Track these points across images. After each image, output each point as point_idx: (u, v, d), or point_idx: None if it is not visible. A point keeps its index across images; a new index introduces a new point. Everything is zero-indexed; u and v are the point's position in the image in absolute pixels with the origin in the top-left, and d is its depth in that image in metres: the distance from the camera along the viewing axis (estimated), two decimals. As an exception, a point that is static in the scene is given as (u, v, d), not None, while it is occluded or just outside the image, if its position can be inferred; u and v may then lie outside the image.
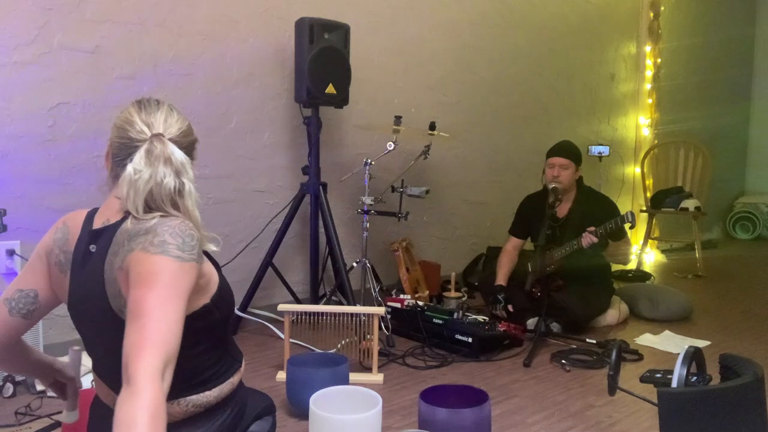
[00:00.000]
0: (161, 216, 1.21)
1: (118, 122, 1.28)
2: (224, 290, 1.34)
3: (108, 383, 1.31)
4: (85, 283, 1.25)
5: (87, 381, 2.38)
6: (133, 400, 0.97)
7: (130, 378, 1.00)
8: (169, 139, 1.26)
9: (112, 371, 1.26)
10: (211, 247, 1.29)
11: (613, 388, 2.00)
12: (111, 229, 1.24)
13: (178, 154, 1.24)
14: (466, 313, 3.12)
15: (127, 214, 1.23)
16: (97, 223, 1.28)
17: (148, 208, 1.22)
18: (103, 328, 1.23)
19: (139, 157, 1.22)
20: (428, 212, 4.19)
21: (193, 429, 1.29)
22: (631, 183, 5.76)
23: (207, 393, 1.29)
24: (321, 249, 3.38)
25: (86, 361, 2.47)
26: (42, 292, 1.33)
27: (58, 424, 2.05)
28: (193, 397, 1.28)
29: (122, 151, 1.26)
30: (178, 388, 1.20)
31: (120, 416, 0.97)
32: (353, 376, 2.40)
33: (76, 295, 1.28)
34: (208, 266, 1.30)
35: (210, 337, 1.32)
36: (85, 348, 1.36)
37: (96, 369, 1.35)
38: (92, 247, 1.25)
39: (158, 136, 1.24)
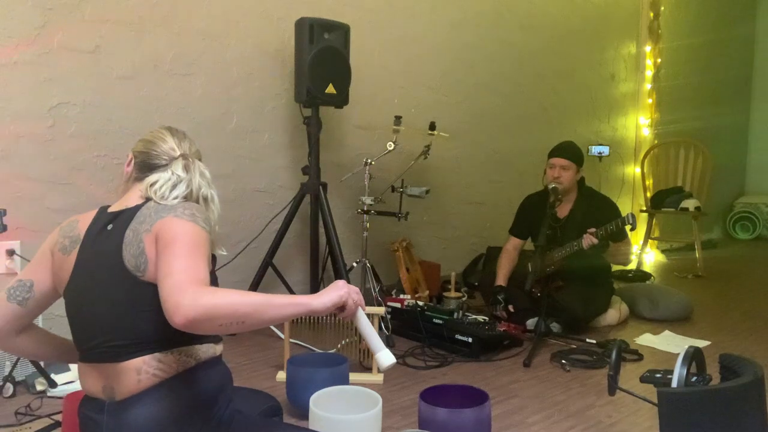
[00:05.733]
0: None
1: (150, 137, 1.51)
2: (214, 275, 1.46)
3: (104, 357, 1.33)
4: (97, 253, 1.37)
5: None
6: (207, 290, 1.16)
7: (190, 294, 1.15)
8: None
9: (115, 337, 1.32)
10: (220, 252, 1.48)
11: (613, 388, 2.00)
12: (132, 210, 1.40)
13: (208, 172, 1.52)
14: (466, 313, 3.12)
15: (147, 200, 1.40)
16: (114, 209, 1.43)
17: None
18: (114, 290, 1.33)
19: (177, 166, 1.46)
20: (428, 212, 4.19)
21: (180, 389, 1.34)
22: (631, 183, 5.76)
23: (198, 347, 1.38)
24: (321, 249, 3.38)
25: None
26: (38, 283, 1.45)
27: (58, 424, 2.05)
28: (185, 347, 1.36)
29: (150, 159, 1.47)
30: (173, 341, 1.33)
31: (201, 299, 1.14)
32: (353, 376, 2.40)
33: (82, 269, 1.38)
34: None
35: None
36: (78, 336, 1.39)
37: (86, 357, 1.37)
38: (110, 226, 1.39)
39: (189, 156, 1.50)
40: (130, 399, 1.31)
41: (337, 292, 1.33)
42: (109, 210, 1.44)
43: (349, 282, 3.12)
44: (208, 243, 1.33)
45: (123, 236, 1.35)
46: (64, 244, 1.43)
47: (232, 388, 1.48)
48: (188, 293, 1.15)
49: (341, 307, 1.35)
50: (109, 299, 1.34)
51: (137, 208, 1.39)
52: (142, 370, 1.31)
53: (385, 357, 1.42)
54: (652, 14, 5.65)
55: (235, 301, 1.17)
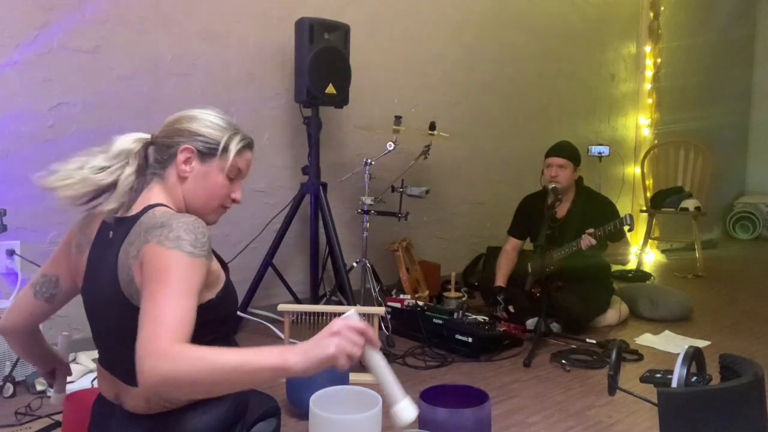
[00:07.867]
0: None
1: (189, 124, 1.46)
2: (229, 288, 1.38)
3: (114, 372, 1.33)
4: (99, 267, 1.30)
5: (87, 381, 2.38)
6: (170, 355, 1.03)
7: (152, 359, 1.04)
8: None
9: (119, 358, 1.29)
10: None
11: (613, 388, 2.00)
12: (130, 220, 1.30)
13: None
14: (466, 313, 3.12)
15: (147, 208, 1.30)
16: (120, 213, 1.35)
17: None
18: (113, 312, 1.27)
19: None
20: (428, 212, 4.19)
21: (192, 417, 1.31)
22: (631, 183, 5.76)
23: None
24: (321, 249, 3.38)
25: (86, 362, 2.49)
26: (63, 278, 1.41)
27: (58, 424, 2.05)
28: None
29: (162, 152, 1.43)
30: None
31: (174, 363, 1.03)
32: (353, 376, 2.40)
33: (90, 276, 1.34)
34: (216, 264, 1.35)
35: (214, 331, 1.34)
36: (94, 338, 1.38)
37: (102, 360, 1.37)
38: (110, 234, 1.31)
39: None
40: (138, 415, 1.30)
41: (324, 351, 1.08)
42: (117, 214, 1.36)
43: (349, 282, 3.15)
44: (197, 268, 1.19)
45: (117, 257, 1.26)
46: (79, 241, 1.38)
47: (253, 408, 1.45)
48: (151, 357, 1.03)
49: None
50: (115, 321, 1.28)
51: (135, 218, 1.29)
52: (151, 400, 1.28)
53: (405, 412, 1.10)
54: (652, 14, 5.65)
55: (198, 369, 1.03)
